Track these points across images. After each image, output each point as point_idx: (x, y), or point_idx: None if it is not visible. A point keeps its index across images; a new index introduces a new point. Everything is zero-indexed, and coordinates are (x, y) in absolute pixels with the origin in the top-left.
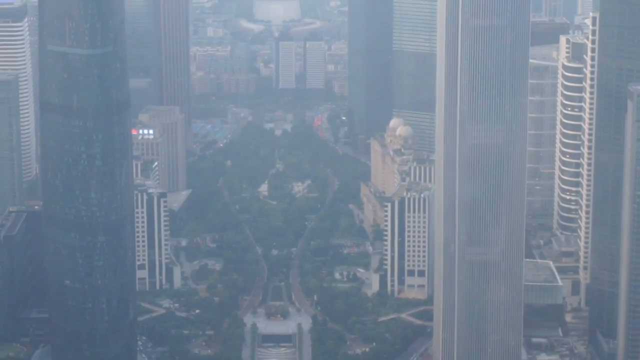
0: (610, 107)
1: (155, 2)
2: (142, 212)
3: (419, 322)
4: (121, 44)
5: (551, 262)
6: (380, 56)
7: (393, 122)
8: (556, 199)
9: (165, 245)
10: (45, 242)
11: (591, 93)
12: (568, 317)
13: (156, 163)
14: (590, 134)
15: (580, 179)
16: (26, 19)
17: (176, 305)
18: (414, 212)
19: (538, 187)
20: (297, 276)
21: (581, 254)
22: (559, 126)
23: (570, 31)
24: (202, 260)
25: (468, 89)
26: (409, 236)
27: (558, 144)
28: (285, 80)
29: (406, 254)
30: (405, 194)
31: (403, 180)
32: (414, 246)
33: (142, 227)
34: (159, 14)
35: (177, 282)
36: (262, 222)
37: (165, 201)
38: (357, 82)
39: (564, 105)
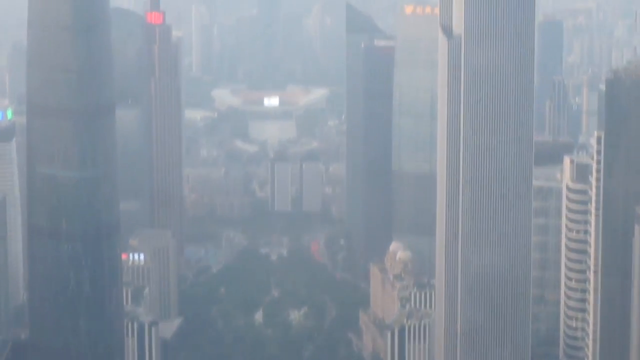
0: (617, 230)
1: (147, 122)
2: (133, 342)
3: None
4: (112, 167)
5: None
6: (379, 177)
7: (393, 246)
8: (562, 326)
9: None
10: None
11: (597, 216)
12: None
13: (147, 289)
14: (596, 259)
15: (586, 306)
16: (14, 140)
17: None
18: (414, 340)
19: (543, 314)
20: None
21: None
22: (564, 250)
23: (575, 151)
24: None
25: (470, 211)
26: None
27: (563, 269)
28: (281, 203)
29: None
30: (405, 321)
31: (403, 306)
32: None
33: (133, 357)
34: (151, 134)
35: None
36: (258, 352)
37: (156, 330)
38: (355, 204)
39: (569, 229)
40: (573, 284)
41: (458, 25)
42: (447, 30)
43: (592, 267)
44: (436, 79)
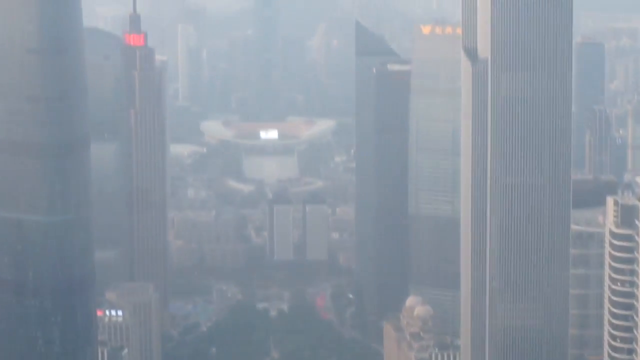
0: None
1: (127, 159)
2: None
3: None
4: (85, 210)
5: None
6: (393, 221)
7: (410, 300)
8: None
9: None
10: None
11: None
12: None
13: (126, 350)
14: None
15: None
16: None
17: None
18: None
19: None
20: None
21: None
22: (607, 304)
23: (619, 191)
24: None
25: (499, 260)
26: None
27: (606, 326)
28: (281, 250)
29: None
30: None
31: None
32: None
33: None
34: (131, 173)
35: None
36: None
37: None
38: (366, 253)
39: (613, 280)
40: (618, 343)
41: (484, 48)
42: (471, 53)
43: (639, 324)
44: (459, 108)
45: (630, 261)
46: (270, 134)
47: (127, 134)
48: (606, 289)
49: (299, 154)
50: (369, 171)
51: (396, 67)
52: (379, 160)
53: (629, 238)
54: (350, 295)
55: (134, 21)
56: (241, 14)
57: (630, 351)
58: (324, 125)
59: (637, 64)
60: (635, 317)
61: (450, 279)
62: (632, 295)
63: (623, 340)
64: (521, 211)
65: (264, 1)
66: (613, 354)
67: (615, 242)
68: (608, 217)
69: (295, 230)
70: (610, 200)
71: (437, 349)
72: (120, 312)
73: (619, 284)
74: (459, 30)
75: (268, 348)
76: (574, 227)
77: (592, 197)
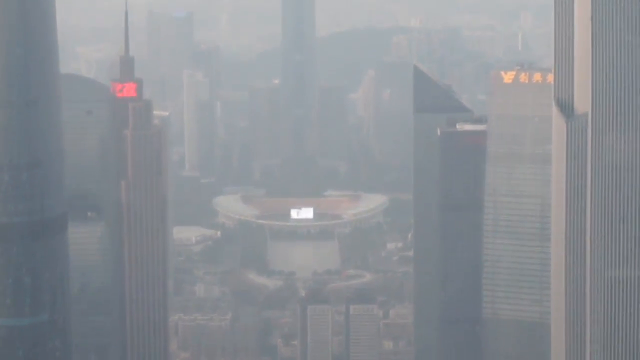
0: None
1: (116, 245)
2: None
3: None
4: (63, 311)
5: None
6: (463, 327)
7: None
8: None
9: None
10: None
11: None
12: None
13: None
14: None
15: None
16: None
17: None
18: None
19: None
20: None
21: None
22: None
23: None
24: None
25: None
26: None
27: None
28: None
29: None
30: None
31: None
32: None
33: None
34: (122, 263)
35: None
36: None
37: None
38: None
39: None
40: None
41: (582, 100)
42: (566, 107)
43: None
44: (549, 179)
45: None
46: (303, 213)
47: (117, 212)
48: None
49: (340, 238)
50: (432, 261)
51: (467, 127)
52: (444, 247)
53: None
54: None
55: (126, 65)
56: (265, 58)
57: None
58: (372, 202)
59: None
60: None
61: None
62: None
63: None
64: (632, 315)
65: (294, 42)
66: None
67: None
68: None
69: (335, 338)
70: None
71: None
72: None
73: None
74: (550, 78)
75: None
76: None
77: None
